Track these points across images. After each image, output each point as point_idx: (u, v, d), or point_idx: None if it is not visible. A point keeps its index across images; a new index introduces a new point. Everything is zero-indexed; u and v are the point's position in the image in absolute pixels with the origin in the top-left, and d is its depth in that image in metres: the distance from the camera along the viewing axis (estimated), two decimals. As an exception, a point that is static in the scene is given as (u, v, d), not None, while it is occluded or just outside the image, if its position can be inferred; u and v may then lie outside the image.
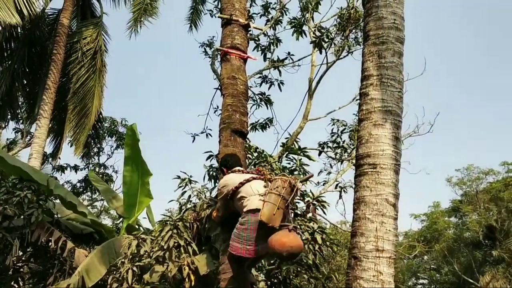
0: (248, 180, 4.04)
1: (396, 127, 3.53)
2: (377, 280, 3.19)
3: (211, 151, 7.67)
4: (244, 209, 3.91)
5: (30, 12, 11.10)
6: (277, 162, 6.97)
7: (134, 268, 5.72)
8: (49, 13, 14.26)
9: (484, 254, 27.49)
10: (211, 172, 7.27)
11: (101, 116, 14.84)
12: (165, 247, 5.67)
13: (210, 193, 7.22)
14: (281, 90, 11.80)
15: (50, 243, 7.26)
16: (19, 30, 13.48)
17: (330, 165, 12.04)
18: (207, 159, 7.69)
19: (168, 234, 5.73)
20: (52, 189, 7.38)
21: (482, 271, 26.33)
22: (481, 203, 28.18)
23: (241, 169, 4.42)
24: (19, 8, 10.81)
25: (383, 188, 3.36)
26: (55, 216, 7.55)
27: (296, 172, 7.08)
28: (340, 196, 10.22)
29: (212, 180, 7.33)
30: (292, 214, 4.18)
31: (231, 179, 4.21)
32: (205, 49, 12.98)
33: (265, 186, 3.95)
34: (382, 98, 3.54)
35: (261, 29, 9.68)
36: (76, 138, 13.48)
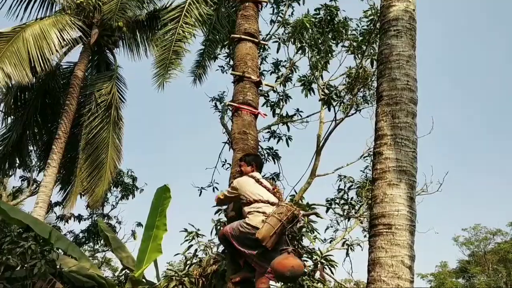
0: (261, 201, 4.32)
1: (411, 187, 3.51)
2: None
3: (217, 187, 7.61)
4: (246, 220, 4.26)
5: (45, 68, 11.36)
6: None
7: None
8: (64, 66, 14.59)
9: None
10: (218, 227, 7.17)
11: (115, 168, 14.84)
12: (170, 303, 5.54)
13: (217, 248, 7.10)
14: (288, 146, 11.88)
15: (51, 295, 7.10)
16: (34, 81, 13.77)
17: (337, 222, 11.91)
18: (215, 214, 7.61)
19: (174, 290, 5.61)
20: (53, 242, 7.28)
21: None
22: (489, 264, 27.53)
23: (260, 179, 4.64)
24: (33, 65, 11.07)
25: (398, 249, 3.29)
26: (58, 268, 7.42)
27: (304, 229, 6.97)
28: (347, 254, 10.01)
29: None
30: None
31: (248, 187, 4.48)
32: (215, 103, 13.19)
33: (272, 204, 4.29)
34: (396, 158, 3.54)
35: (272, 86, 9.86)
36: (91, 189, 13.40)
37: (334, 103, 10.42)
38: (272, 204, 4.32)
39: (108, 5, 12.15)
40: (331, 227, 12.02)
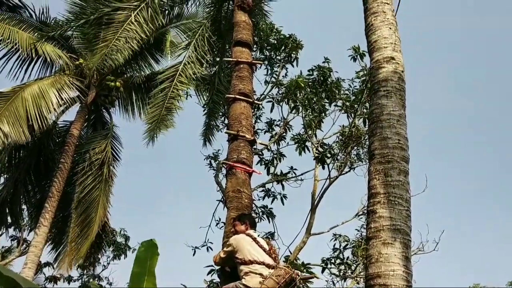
0: (257, 262, 4.29)
1: (406, 246, 3.48)
2: None
3: (212, 265, 7.47)
4: (243, 281, 4.24)
5: (42, 126, 11.46)
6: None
7: None
8: (61, 125, 14.69)
9: None
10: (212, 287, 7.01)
11: (106, 227, 14.62)
12: None
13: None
14: (283, 204, 11.82)
15: None
16: (30, 140, 13.82)
17: (333, 282, 11.64)
18: (208, 274, 7.47)
19: None
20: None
21: None
22: None
23: (256, 238, 4.62)
24: (30, 123, 11.18)
25: (397, 312, 3.23)
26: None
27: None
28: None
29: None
30: None
31: (245, 245, 4.47)
32: (210, 161, 13.24)
33: (268, 266, 4.26)
34: (390, 217, 3.54)
35: (266, 145, 9.97)
36: (77, 249, 13.15)
37: (328, 161, 10.51)
38: (268, 266, 4.28)
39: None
40: (329, 288, 11.74)
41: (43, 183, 14.36)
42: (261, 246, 4.53)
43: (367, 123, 10.25)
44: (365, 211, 11.89)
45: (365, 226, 11.78)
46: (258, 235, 4.88)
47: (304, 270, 7.09)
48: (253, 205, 6.99)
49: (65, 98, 12.68)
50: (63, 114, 14.73)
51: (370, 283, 3.42)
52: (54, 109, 12.42)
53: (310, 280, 7.08)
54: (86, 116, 14.43)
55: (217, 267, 6.42)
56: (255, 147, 8.50)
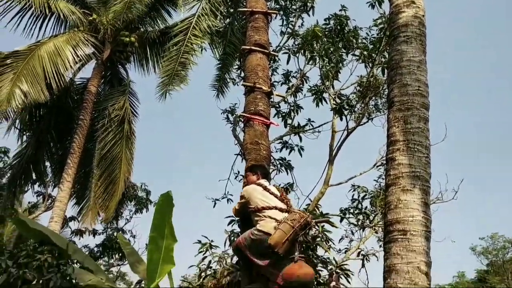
0: (269, 208, 4.34)
1: (425, 192, 3.48)
2: None
3: (232, 216, 7.60)
4: (258, 227, 4.28)
5: (60, 84, 11.52)
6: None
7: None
8: (78, 82, 14.77)
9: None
10: (232, 238, 7.16)
11: (128, 183, 14.93)
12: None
13: (231, 260, 7.07)
14: (301, 156, 11.85)
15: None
16: (49, 98, 13.95)
17: (352, 232, 11.80)
18: (228, 224, 7.61)
19: (189, 301, 5.59)
20: (71, 254, 7.30)
21: None
22: (508, 273, 26.97)
23: (268, 186, 4.67)
24: (48, 82, 11.24)
25: (414, 255, 3.26)
26: (74, 281, 7.42)
27: (318, 239, 6.92)
28: (363, 265, 9.93)
29: (233, 246, 7.19)
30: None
31: (256, 194, 4.52)
32: (227, 115, 13.23)
33: (281, 210, 4.30)
34: (409, 164, 3.52)
35: (283, 96, 9.89)
36: (105, 205, 13.49)
37: (346, 112, 10.40)
38: (281, 210, 4.34)
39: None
40: (346, 237, 11.92)
41: (64, 140, 14.61)
42: (272, 193, 4.58)
43: (385, 72, 10.07)
44: (384, 162, 11.91)
45: (383, 177, 11.84)
46: (270, 184, 4.90)
47: (324, 220, 7.13)
48: (271, 157, 7.02)
49: (80, 55, 12.66)
50: (79, 72, 14.82)
51: (389, 229, 3.45)
52: (71, 66, 12.46)
53: (327, 228, 7.16)
54: (103, 73, 14.49)
55: (236, 218, 6.53)
56: (272, 99, 8.45)
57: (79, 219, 14.53)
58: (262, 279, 4.44)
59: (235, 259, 7.00)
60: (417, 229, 3.34)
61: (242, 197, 4.68)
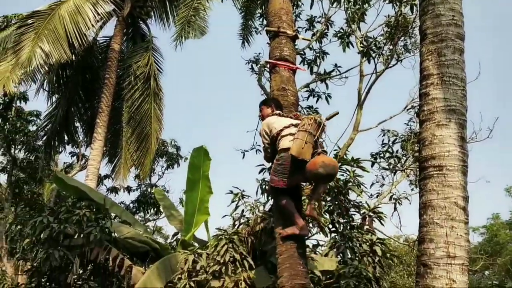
0: (287, 126, 4.41)
1: (461, 126, 3.35)
2: (450, 289, 3.00)
3: (263, 165, 7.63)
4: (279, 148, 4.35)
5: (82, 43, 11.52)
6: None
7: (191, 284, 5.70)
8: (101, 40, 14.75)
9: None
10: (263, 186, 7.20)
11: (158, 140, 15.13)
12: (221, 261, 5.64)
13: (264, 207, 7.15)
14: (328, 103, 11.69)
15: (108, 262, 7.38)
16: (73, 58, 14.02)
17: (382, 177, 11.73)
18: (259, 173, 7.65)
19: (224, 248, 5.69)
20: (108, 208, 7.53)
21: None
22: (469, 254, 26.48)
23: (281, 113, 4.77)
24: (71, 42, 11.23)
25: (451, 191, 3.18)
26: (113, 234, 7.68)
27: (350, 184, 6.89)
28: (395, 209, 9.89)
29: (265, 194, 7.25)
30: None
31: (276, 121, 4.56)
32: (252, 65, 13.05)
33: (295, 126, 4.37)
34: (444, 97, 3.37)
35: (309, 40, 9.62)
36: (140, 161, 13.74)
37: (374, 55, 10.08)
38: (296, 126, 4.40)
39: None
40: (377, 182, 11.87)
41: (92, 100, 14.77)
42: (286, 117, 4.68)
43: (414, 10, 9.65)
44: (414, 104, 11.66)
45: (414, 120, 11.64)
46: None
47: (354, 165, 7.08)
48: (299, 105, 6.92)
49: (101, 13, 12.62)
50: (101, 30, 14.77)
51: (424, 165, 3.36)
52: (92, 25, 12.42)
53: (359, 173, 7.10)
54: (124, 30, 14.41)
55: (267, 166, 6.52)
56: (297, 46, 8.25)
57: (112, 176, 14.89)
58: (298, 221, 4.44)
59: (268, 207, 7.08)
60: (453, 163, 3.24)
61: (261, 135, 4.70)
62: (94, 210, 7.45)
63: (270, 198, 7.08)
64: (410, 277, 19.43)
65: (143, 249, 8.22)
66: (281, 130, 4.46)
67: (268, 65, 6.11)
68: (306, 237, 4.61)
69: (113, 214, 8.30)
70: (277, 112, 4.81)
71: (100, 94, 13.09)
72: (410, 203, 9.92)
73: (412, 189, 11.48)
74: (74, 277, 7.24)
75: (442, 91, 3.37)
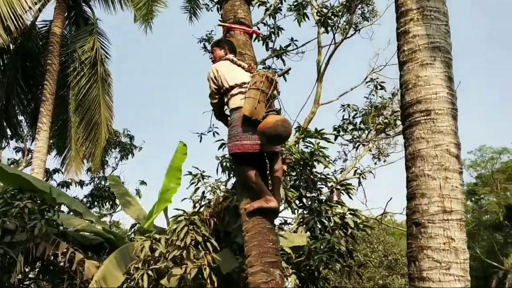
0: (239, 85, 4.03)
1: (448, 65, 2.94)
2: (449, 248, 2.60)
3: (222, 139, 7.12)
4: (230, 108, 4.05)
5: (19, 26, 10.64)
6: (295, 146, 6.41)
7: (150, 272, 5.15)
8: (40, 25, 13.78)
9: (506, 235, 26.76)
10: (224, 163, 6.70)
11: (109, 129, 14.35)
12: (181, 245, 5.11)
13: (225, 186, 6.66)
14: (285, 80, 11.26)
15: (57, 257, 6.72)
16: (10, 44, 13.01)
17: (345, 153, 11.50)
18: (219, 149, 7.13)
19: (184, 230, 5.16)
20: (55, 197, 6.83)
21: (505, 253, 25.62)
22: (497, 183, 27.39)
23: (234, 58, 4.36)
24: (5, 25, 10.35)
25: (441, 137, 2.77)
26: (61, 227, 6.99)
27: (316, 155, 6.50)
28: (360, 183, 9.62)
29: (226, 172, 6.75)
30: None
31: (227, 71, 4.17)
32: (204, 44, 12.47)
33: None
34: (427, 34, 2.95)
35: (264, 1, 9.09)
36: (90, 153, 13.00)
37: (331, 23, 9.69)
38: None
39: None
40: (339, 158, 11.64)
41: (35, 90, 13.86)
42: (239, 65, 4.26)
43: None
44: (374, 76, 11.43)
45: (373, 93, 11.42)
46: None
47: (319, 136, 6.67)
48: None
49: (38, -6, 11.69)
50: (40, 13, 13.81)
51: (408, 112, 2.93)
52: (30, 8, 11.52)
53: (323, 145, 6.72)
54: (66, 13, 13.56)
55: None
56: (252, 5, 7.78)
57: (62, 170, 14.02)
58: (264, 193, 3.99)
59: (230, 185, 6.60)
60: (442, 107, 2.83)
61: (209, 79, 4.27)
62: (38, 201, 6.73)
63: (232, 175, 6.60)
64: (373, 254, 19.54)
65: (97, 241, 7.56)
66: (232, 88, 4.07)
67: (222, 30, 5.58)
68: (276, 211, 4.13)
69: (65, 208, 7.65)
70: (230, 57, 4.38)
71: (42, 82, 12.21)
72: (374, 177, 9.70)
73: (375, 163, 11.31)
74: (19, 277, 6.52)
75: (424, 27, 2.96)
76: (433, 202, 2.69)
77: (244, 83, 4.03)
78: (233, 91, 4.05)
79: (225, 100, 4.16)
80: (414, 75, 2.90)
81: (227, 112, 4.29)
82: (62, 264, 6.73)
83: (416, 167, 2.79)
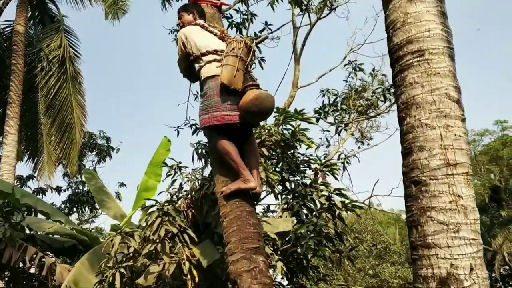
0: (210, 52, 3.69)
1: (440, 0, 2.55)
2: (456, 207, 2.20)
3: (195, 124, 6.66)
4: (203, 77, 3.66)
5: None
6: (274, 128, 5.98)
7: (122, 270, 4.68)
8: (3, 26, 13.18)
9: (492, 217, 26.78)
10: (199, 150, 6.25)
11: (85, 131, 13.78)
12: (155, 239, 4.65)
13: (202, 173, 6.21)
14: (262, 68, 10.86)
15: (25, 263, 6.23)
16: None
17: (327, 139, 11.13)
18: (192, 134, 6.68)
19: (157, 221, 4.69)
20: (19, 198, 6.31)
21: (492, 235, 25.62)
22: (481, 165, 27.38)
23: (205, 24, 4.02)
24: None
25: (439, 79, 2.36)
26: (27, 230, 6.48)
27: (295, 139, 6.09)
28: (344, 168, 9.27)
29: (203, 160, 6.30)
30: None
31: (198, 37, 3.81)
32: (175, 35, 11.96)
33: (222, 52, 3.65)
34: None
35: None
36: (66, 155, 12.46)
37: (305, 2, 9.29)
38: (222, 52, 3.63)
39: None
40: (322, 145, 11.27)
41: (3, 93, 13.23)
42: (211, 32, 3.89)
43: None
44: (350, 60, 11.08)
45: (352, 76, 11.08)
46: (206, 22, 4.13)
47: (300, 117, 6.26)
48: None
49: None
50: (2, 13, 13.23)
51: (398, 55, 2.50)
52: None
53: (305, 126, 6.32)
54: (30, 12, 13.02)
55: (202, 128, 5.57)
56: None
57: (35, 174, 13.41)
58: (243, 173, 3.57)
59: (206, 172, 6.16)
60: (437, 45, 2.42)
61: (179, 45, 3.89)
62: (0, 203, 6.21)
63: (208, 161, 6.15)
64: (362, 244, 19.27)
65: (69, 243, 7.05)
66: (203, 55, 3.68)
67: (187, 2, 5.13)
68: (256, 193, 3.70)
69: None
70: (201, 22, 3.99)
71: (8, 83, 11.62)
72: (359, 161, 9.40)
73: (358, 147, 10.97)
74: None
75: (409, -42, 2.55)
76: (434, 155, 2.27)
77: (217, 50, 3.69)
78: (207, 58, 3.68)
79: (196, 67, 3.77)
80: (402, 12, 2.49)
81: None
82: (33, 270, 6.26)
83: (412, 117, 2.37)
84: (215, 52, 3.67)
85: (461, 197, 2.21)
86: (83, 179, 10.52)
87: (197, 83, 4.13)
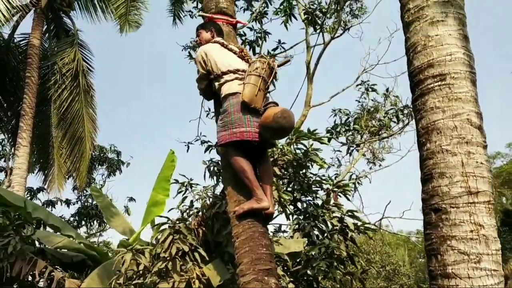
0: (232, 71, 3.67)
1: (462, 23, 2.50)
2: (477, 236, 2.13)
3: (209, 141, 6.66)
4: (224, 94, 3.63)
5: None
6: (287, 147, 5.95)
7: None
8: (19, 38, 13.34)
9: (504, 241, 26.37)
10: (211, 168, 6.23)
11: (95, 144, 13.84)
12: (166, 256, 4.60)
13: (213, 191, 6.17)
14: (274, 87, 10.87)
15: (35, 277, 6.18)
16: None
17: (338, 159, 11.05)
18: (205, 152, 6.66)
19: (168, 240, 4.65)
20: (30, 212, 6.30)
21: (504, 259, 25.21)
22: (493, 188, 27.05)
23: (225, 42, 3.96)
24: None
25: (461, 105, 2.32)
26: (38, 244, 6.47)
27: (309, 155, 6.06)
28: (355, 189, 9.19)
29: (214, 177, 6.28)
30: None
31: (218, 55, 3.79)
32: (189, 52, 12.08)
33: (243, 71, 3.65)
34: (435, -12, 2.53)
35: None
36: (75, 168, 12.52)
37: (319, 21, 9.29)
38: (244, 71, 3.63)
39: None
40: (333, 165, 11.20)
41: (16, 106, 13.36)
42: (231, 50, 3.88)
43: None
44: (363, 81, 11.05)
45: (365, 96, 11.04)
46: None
47: (312, 137, 6.24)
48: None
49: (16, 6, 11.27)
50: (18, 26, 13.40)
51: (419, 78, 2.42)
52: (7, 20, 11.08)
53: (316, 146, 6.29)
54: (45, 25, 13.17)
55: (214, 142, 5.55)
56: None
57: (45, 187, 13.45)
58: (256, 193, 3.53)
59: (218, 190, 6.13)
60: (458, 69, 2.39)
61: (198, 63, 3.86)
62: (12, 216, 6.21)
63: (220, 179, 6.12)
64: (371, 265, 18.99)
65: (78, 258, 7.00)
66: (225, 74, 3.65)
67: (203, 19, 5.16)
68: (269, 213, 3.64)
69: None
70: (219, 40, 3.96)
71: (22, 96, 11.73)
72: (370, 182, 9.31)
73: (370, 168, 10.88)
74: (-6, 299, 5.99)
75: (431, -19, 2.53)
76: (455, 183, 2.21)
77: (238, 69, 3.68)
78: (227, 77, 3.67)
79: (216, 85, 3.75)
80: (423, 36, 2.46)
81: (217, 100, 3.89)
82: (41, 284, 6.21)
83: (432, 143, 2.32)
84: (236, 71, 3.66)
85: (482, 227, 2.15)
86: (91, 192, 10.51)
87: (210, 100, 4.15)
